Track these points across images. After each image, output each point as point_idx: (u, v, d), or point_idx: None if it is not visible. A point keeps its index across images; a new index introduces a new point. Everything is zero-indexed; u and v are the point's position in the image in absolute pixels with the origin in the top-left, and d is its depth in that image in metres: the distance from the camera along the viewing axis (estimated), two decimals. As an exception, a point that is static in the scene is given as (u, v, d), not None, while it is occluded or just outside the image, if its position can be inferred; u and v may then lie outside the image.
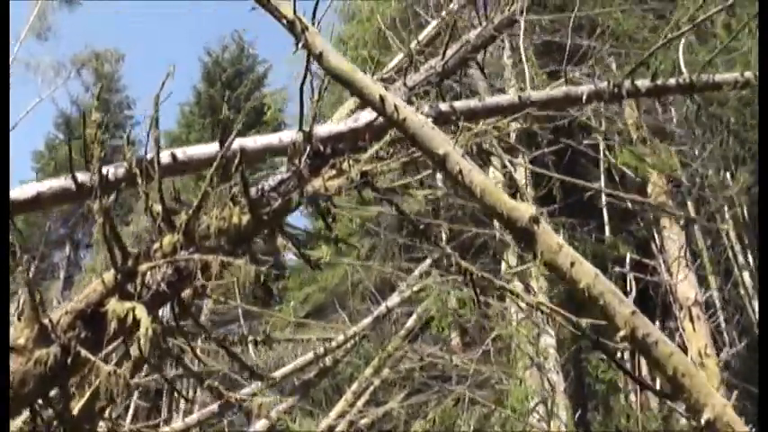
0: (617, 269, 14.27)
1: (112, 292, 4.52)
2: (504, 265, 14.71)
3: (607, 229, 16.74)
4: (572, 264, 4.49)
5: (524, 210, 4.53)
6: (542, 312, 6.98)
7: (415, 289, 17.84)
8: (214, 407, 15.14)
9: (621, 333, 4.43)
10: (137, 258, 4.61)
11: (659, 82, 7.33)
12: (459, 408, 15.31)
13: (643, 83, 7.31)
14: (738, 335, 13.49)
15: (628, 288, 13.91)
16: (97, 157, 4.96)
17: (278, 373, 15.04)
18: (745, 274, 16.91)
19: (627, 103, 12.29)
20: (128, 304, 4.40)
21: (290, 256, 28.45)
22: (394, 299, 17.38)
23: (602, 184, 14.71)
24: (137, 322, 4.28)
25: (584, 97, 7.15)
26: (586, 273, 4.49)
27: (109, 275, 4.57)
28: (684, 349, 11.09)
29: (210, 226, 4.99)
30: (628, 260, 14.68)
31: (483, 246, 16.72)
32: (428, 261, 19.03)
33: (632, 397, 16.50)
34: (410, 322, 17.23)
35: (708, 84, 7.51)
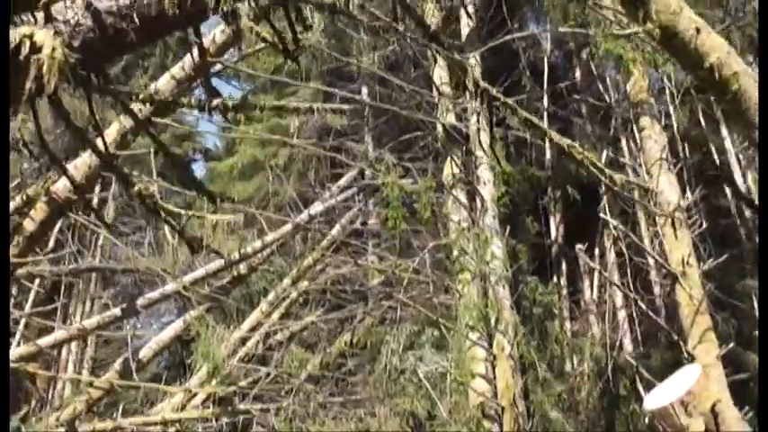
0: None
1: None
2: (446, 169, 13.28)
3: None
4: (698, 30, 3.09)
5: (635, -53, 3.09)
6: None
7: (339, 198, 16.50)
8: (116, 311, 13.42)
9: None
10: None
11: None
12: (386, 324, 14.06)
13: None
14: (721, 244, 12.60)
15: (602, 189, 12.83)
16: None
17: (188, 278, 13.45)
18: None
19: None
20: (24, 29, 2.76)
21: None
22: (317, 207, 15.92)
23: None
24: (36, 49, 2.66)
25: None
26: (717, 45, 3.10)
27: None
28: (665, 257, 10.00)
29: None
30: (603, 158, 13.49)
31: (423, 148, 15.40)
32: (354, 171, 17.66)
33: (568, 324, 15.60)
34: (333, 232, 15.77)
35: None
